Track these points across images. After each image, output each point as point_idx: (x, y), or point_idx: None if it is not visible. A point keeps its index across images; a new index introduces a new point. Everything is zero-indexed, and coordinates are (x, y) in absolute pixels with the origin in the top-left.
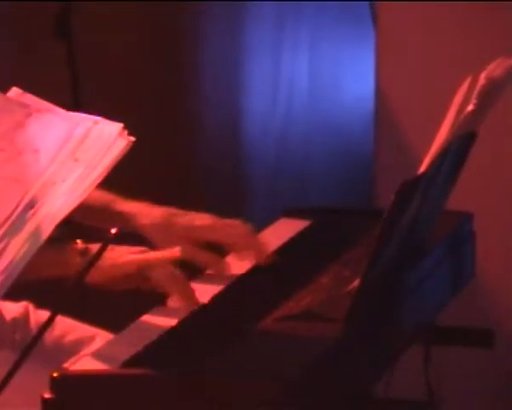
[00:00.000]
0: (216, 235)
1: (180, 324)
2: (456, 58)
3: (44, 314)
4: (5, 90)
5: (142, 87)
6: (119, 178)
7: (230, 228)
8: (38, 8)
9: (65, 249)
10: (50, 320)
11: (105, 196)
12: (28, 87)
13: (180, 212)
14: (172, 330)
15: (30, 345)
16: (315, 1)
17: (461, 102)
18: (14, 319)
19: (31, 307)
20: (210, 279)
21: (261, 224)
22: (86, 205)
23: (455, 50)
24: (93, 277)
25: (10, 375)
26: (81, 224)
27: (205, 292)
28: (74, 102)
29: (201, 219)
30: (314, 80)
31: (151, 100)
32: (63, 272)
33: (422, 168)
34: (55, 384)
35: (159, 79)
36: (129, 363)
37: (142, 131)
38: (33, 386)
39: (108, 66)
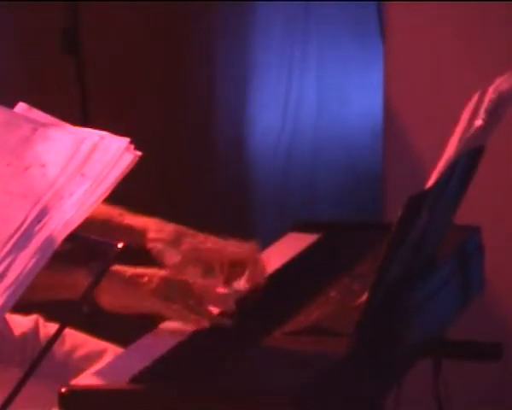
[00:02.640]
0: (224, 259)
1: (188, 338)
2: (464, 73)
3: (54, 328)
4: (12, 105)
5: (152, 101)
6: (127, 191)
7: (239, 253)
8: (46, 23)
9: (76, 271)
10: (57, 335)
11: (112, 210)
12: (37, 102)
13: (190, 232)
14: (181, 344)
15: (37, 359)
16: (324, 4)
17: (469, 116)
18: (24, 335)
19: (41, 320)
20: None
21: (269, 237)
22: (93, 218)
23: (463, 65)
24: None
25: (17, 389)
26: (87, 238)
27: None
28: (83, 117)
29: (211, 243)
30: (322, 95)
31: (160, 114)
32: (74, 295)
33: (430, 182)
34: (63, 400)
35: (169, 93)
36: (137, 378)
37: (150, 146)
38: (43, 401)
39: (117, 80)
